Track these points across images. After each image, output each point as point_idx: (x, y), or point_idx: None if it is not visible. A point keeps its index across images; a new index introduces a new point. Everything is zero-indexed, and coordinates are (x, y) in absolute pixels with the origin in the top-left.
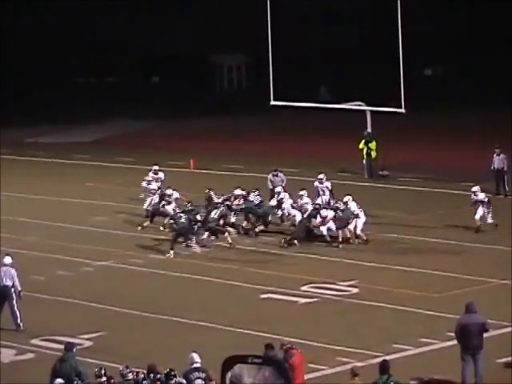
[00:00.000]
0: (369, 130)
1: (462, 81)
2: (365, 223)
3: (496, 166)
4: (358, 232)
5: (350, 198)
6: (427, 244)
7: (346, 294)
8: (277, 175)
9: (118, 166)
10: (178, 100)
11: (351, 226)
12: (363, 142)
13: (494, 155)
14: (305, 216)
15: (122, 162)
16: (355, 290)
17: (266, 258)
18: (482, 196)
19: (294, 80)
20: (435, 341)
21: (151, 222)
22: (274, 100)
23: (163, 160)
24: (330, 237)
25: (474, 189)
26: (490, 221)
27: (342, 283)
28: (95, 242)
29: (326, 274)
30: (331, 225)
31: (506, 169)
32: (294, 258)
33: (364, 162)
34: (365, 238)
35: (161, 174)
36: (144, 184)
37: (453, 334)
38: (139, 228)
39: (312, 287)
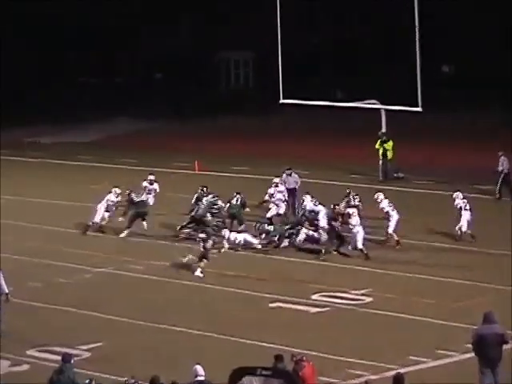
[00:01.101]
0: (384, 129)
1: (480, 78)
2: (397, 223)
3: (499, 169)
4: (390, 231)
5: (382, 195)
6: (444, 250)
7: (359, 303)
8: (290, 175)
9: (121, 167)
10: (182, 99)
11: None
12: (379, 142)
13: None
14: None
15: (125, 163)
16: (368, 299)
17: (275, 264)
18: (460, 202)
19: (304, 78)
20: (452, 353)
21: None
22: (284, 98)
23: (167, 161)
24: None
25: (456, 195)
26: (464, 229)
27: (354, 292)
28: (94, 248)
29: (337, 282)
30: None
31: (506, 171)
32: (303, 265)
33: (380, 163)
34: (396, 239)
35: (155, 186)
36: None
37: (470, 346)
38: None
39: (323, 296)
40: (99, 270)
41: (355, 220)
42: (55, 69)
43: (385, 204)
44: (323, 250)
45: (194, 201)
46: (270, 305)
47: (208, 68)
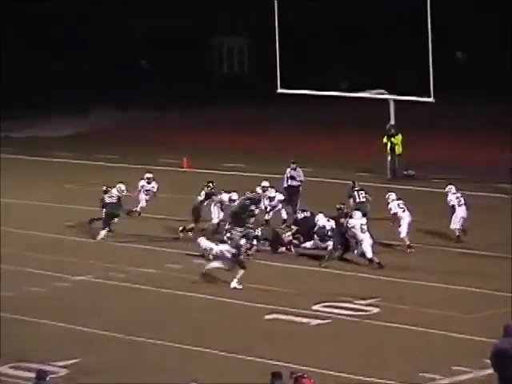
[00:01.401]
0: (392, 122)
1: (498, 66)
2: (410, 226)
3: None
4: (402, 235)
5: (394, 195)
6: (458, 256)
7: (365, 314)
8: (295, 169)
9: (100, 164)
10: (169, 88)
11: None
12: (387, 135)
13: None
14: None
15: (105, 159)
16: (376, 310)
17: (271, 271)
18: (453, 198)
19: (305, 66)
20: (468, 369)
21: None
22: (282, 88)
23: (152, 158)
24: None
25: (449, 189)
26: (455, 226)
27: (360, 302)
28: (72, 254)
29: (341, 291)
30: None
31: None
32: (303, 272)
33: (388, 158)
34: (407, 243)
35: (153, 184)
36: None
37: (489, 361)
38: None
39: (325, 306)
40: (77, 279)
41: (394, 204)
42: (27, 53)
43: (393, 205)
44: (326, 256)
45: (202, 198)
46: (266, 316)
47: (199, 54)
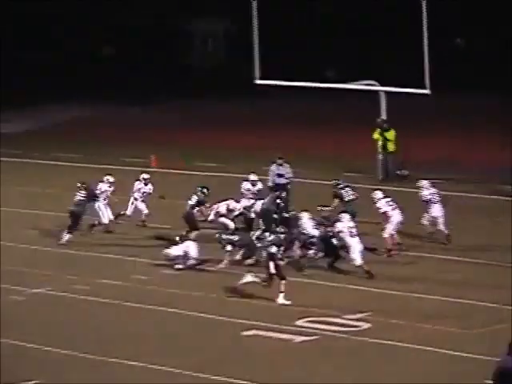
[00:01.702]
0: (383, 116)
1: (501, 54)
2: (397, 226)
3: None
4: (385, 235)
5: (380, 193)
6: (457, 265)
7: (355, 330)
8: (281, 165)
9: (58, 164)
10: (137, 80)
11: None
12: (378, 131)
13: None
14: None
15: (63, 158)
16: (366, 326)
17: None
18: (427, 193)
19: (287, 54)
20: None
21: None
22: (261, 79)
23: (117, 156)
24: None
25: (423, 184)
26: (441, 227)
27: (349, 316)
28: (27, 264)
29: (328, 305)
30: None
31: None
32: (286, 283)
33: (379, 157)
34: (389, 246)
35: (150, 186)
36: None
37: (491, 382)
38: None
39: (310, 321)
40: (35, 291)
41: (382, 203)
42: None
43: (382, 203)
44: (306, 264)
45: (193, 203)
46: (245, 333)
47: (170, 42)
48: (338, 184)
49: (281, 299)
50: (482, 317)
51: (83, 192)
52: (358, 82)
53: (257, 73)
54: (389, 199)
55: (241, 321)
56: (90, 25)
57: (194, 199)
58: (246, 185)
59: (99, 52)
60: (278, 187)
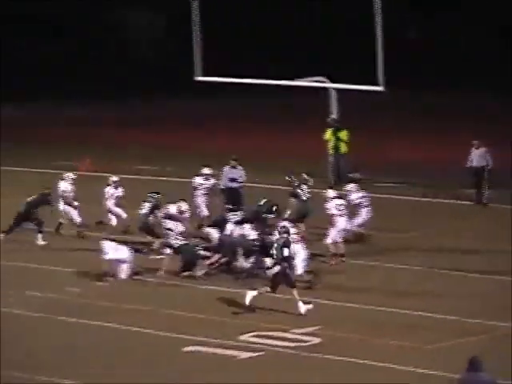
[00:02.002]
0: (334, 115)
1: (461, 48)
2: (340, 233)
3: (474, 164)
4: (328, 241)
5: (333, 193)
6: (415, 274)
7: (304, 345)
8: (235, 167)
9: None
10: (60, 74)
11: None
12: (330, 131)
13: (473, 149)
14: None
15: None
16: (316, 340)
17: (190, 294)
18: (355, 197)
19: (227, 50)
20: None
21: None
22: (202, 75)
23: (45, 159)
24: None
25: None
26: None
27: (297, 330)
28: None
29: (275, 318)
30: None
31: (489, 167)
32: (229, 294)
33: (330, 160)
34: (332, 252)
35: (121, 189)
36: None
37: None
38: None
39: (256, 336)
40: None
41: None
42: None
43: (331, 205)
44: (244, 274)
45: (146, 211)
46: (185, 348)
47: (101, 33)
48: (294, 182)
49: (302, 308)
50: (437, 330)
51: (37, 195)
52: (306, 79)
53: (197, 69)
54: (340, 202)
55: (180, 336)
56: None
57: (146, 207)
58: (199, 180)
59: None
60: (230, 192)
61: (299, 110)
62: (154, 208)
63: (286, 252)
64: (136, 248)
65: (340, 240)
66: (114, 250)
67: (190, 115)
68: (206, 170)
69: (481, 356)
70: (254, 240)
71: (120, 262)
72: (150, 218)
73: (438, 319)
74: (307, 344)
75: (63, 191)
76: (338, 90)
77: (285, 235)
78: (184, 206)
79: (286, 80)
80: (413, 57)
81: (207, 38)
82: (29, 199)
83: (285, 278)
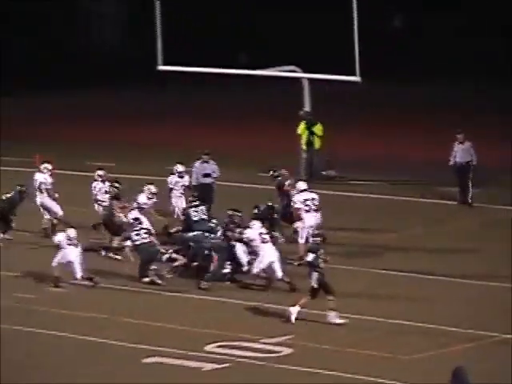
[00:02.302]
0: (307, 108)
1: (444, 37)
2: (307, 234)
3: (458, 160)
4: (300, 241)
5: (304, 185)
6: (393, 279)
7: (275, 356)
8: (207, 162)
9: None
10: (12, 64)
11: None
12: (303, 125)
13: (456, 143)
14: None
15: None
16: (288, 351)
17: (151, 301)
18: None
19: (192, 37)
20: None
21: None
22: (164, 64)
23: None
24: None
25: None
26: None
27: (267, 340)
28: None
29: (243, 327)
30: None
31: (474, 163)
32: (193, 301)
33: (303, 156)
34: (302, 253)
35: (106, 185)
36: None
37: None
38: None
39: (222, 347)
40: None
41: (259, 234)
42: None
43: (299, 198)
44: (206, 276)
45: (107, 204)
46: (145, 360)
47: (58, 22)
48: (277, 175)
49: (335, 318)
50: (419, 339)
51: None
52: (276, 68)
53: (159, 58)
54: (308, 197)
55: (140, 346)
56: None
57: (105, 198)
58: (173, 178)
59: None
60: (203, 188)
61: (269, 102)
62: (115, 196)
63: (310, 257)
64: (92, 247)
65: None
66: (65, 252)
67: (152, 108)
68: (180, 168)
69: (466, 367)
70: (223, 243)
71: (72, 263)
72: (113, 211)
73: (420, 327)
74: (277, 355)
75: (42, 183)
76: (311, 81)
77: (318, 239)
78: (153, 188)
79: (254, 70)
80: (396, 46)
81: (171, 27)
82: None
83: (323, 285)
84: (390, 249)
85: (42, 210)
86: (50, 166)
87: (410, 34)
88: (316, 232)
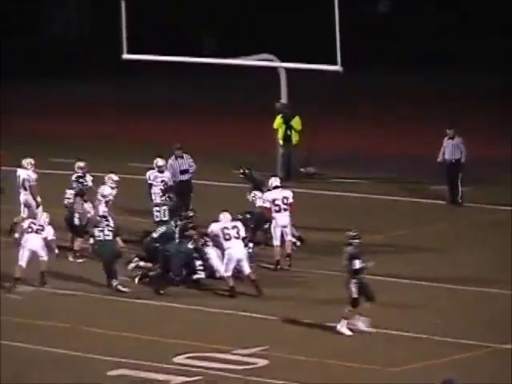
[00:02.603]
0: (283, 99)
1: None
2: (282, 233)
3: (446, 157)
4: (275, 243)
5: (277, 181)
6: (380, 285)
7: (249, 368)
8: (182, 157)
9: None
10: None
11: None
12: (279, 118)
13: (445, 139)
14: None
15: None
16: (263, 362)
17: (117, 309)
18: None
19: (160, 25)
20: None
21: None
22: (128, 53)
23: None
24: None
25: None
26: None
27: (241, 351)
28: None
29: (215, 337)
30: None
31: (463, 160)
32: (161, 309)
33: (280, 151)
34: (277, 258)
35: (88, 179)
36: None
37: None
38: None
39: (192, 358)
40: None
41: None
42: None
43: (268, 197)
44: (162, 282)
45: (71, 199)
46: (110, 373)
47: (18, 11)
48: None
49: (363, 325)
50: (404, 350)
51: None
52: (250, 57)
53: (124, 46)
54: (278, 196)
55: (105, 357)
56: None
57: (69, 195)
58: (152, 173)
59: None
60: (181, 186)
61: (242, 94)
62: (80, 192)
63: (357, 264)
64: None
65: (290, 238)
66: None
67: (115, 99)
68: (160, 162)
69: (455, 379)
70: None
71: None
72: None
73: (405, 337)
74: (252, 367)
75: (25, 180)
76: (289, 71)
77: (356, 241)
78: (115, 176)
79: (225, 58)
80: (381, 33)
81: (137, 13)
82: None
83: (365, 292)
84: (375, 252)
85: (22, 207)
86: (32, 161)
87: (400, 21)
88: (353, 233)
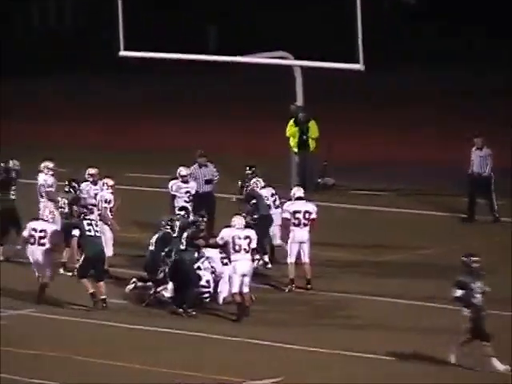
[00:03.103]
0: (299, 102)
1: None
2: (294, 248)
3: (475, 169)
4: (289, 260)
5: (301, 191)
6: (404, 309)
7: None
8: (206, 165)
9: None
10: None
11: None
12: (292, 122)
13: (473, 149)
14: None
15: None
16: None
17: (106, 334)
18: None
19: (161, 21)
20: None
21: None
22: (126, 50)
23: None
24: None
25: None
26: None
27: (252, 382)
28: None
29: (220, 367)
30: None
31: (488, 173)
32: (156, 335)
33: (294, 159)
34: (291, 277)
35: (98, 187)
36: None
37: None
38: None
39: None
40: None
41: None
42: None
43: (290, 208)
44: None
45: (65, 209)
46: None
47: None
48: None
49: (498, 364)
50: (414, 372)
51: None
52: (262, 55)
53: (121, 43)
54: (300, 209)
55: None
56: None
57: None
58: (175, 183)
59: None
60: (204, 198)
61: (252, 95)
62: (74, 200)
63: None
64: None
65: (307, 260)
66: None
67: (115, 99)
68: (184, 171)
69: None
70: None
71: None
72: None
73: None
74: None
75: (41, 185)
76: (304, 68)
77: (477, 265)
78: (50, 164)
79: (232, 56)
80: (407, 29)
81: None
82: None
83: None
84: (393, 270)
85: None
86: (50, 165)
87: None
88: (474, 258)
